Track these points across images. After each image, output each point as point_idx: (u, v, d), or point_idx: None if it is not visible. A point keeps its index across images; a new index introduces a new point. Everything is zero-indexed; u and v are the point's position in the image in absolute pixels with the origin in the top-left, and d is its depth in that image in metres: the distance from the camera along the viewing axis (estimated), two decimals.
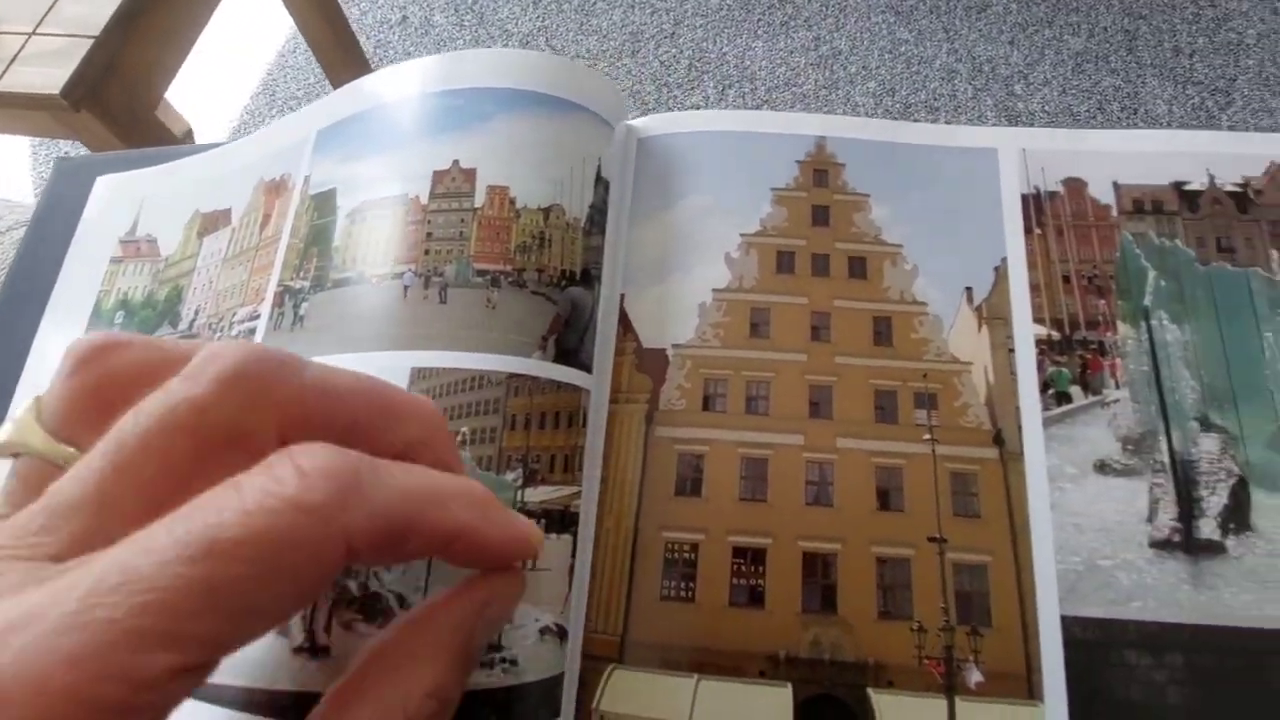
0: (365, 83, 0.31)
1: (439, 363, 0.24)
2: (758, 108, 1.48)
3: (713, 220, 0.30)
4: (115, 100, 0.71)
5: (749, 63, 1.55)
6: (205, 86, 1.52)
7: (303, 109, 0.33)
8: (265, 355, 0.15)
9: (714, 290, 0.29)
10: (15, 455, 0.16)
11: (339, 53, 1.11)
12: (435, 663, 0.15)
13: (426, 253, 0.26)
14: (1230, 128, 1.53)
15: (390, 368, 0.24)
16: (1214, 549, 0.25)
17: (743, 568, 0.26)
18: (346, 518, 0.13)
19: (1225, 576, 0.25)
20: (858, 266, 0.29)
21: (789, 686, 0.24)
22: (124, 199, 0.37)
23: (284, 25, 1.44)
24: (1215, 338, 0.28)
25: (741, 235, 0.30)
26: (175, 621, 0.12)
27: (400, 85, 0.30)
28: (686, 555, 0.26)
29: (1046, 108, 1.50)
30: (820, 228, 0.30)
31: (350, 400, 0.16)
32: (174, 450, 0.14)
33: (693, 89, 1.52)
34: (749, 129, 0.31)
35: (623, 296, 0.29)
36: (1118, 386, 0.27)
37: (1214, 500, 0.26)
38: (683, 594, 0.25)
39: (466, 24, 1.60)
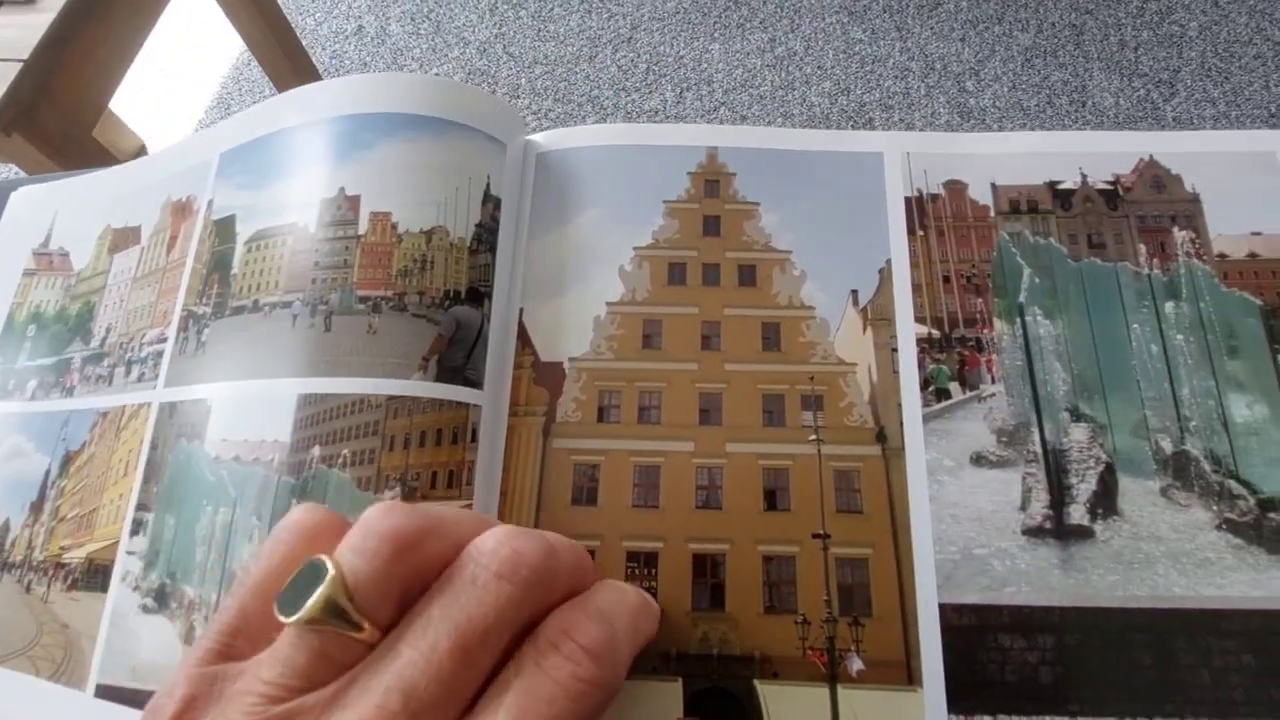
0: (264, 107, 0.32)
1: (323, 389, 0.25)
2: (715, 110, 1.49)
3: (607, 234, 0.31)
4: (48, 123, 0.70)
5: (706, 65, 1.56)
6: (161, 101, 1.50)
7: (208, 129, 0.34)
8: (551, 552, 0.19)
9: (608, 303, 0.30)
10: (317, 629, 0.17)
11: (287, 65, 1.11)
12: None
13: (313, 281, 0.26)
14: (1175, 118, 1.58)
15: (280, 395, 0.25)
16: (1083, 534, 0.26)
17: (636, 571, 0.26)
18: (618, 679, 0.18)
19: (1093, 559, 0.26)
20: (747, 274, 0.30)
21: (679, 681, 0.25)
22: (39, 210, 0.37)
23: (238, 38, 1.43)
24: (1085, 331, 0.29)
25: (634, 248, 0.30)
26: None
27: (294, 112, 0.30)
28: None
29: (997, 103, 1.53)
30: (711, 238, 0.31)
31: (571, 567, 0.20)
32: (503, 643, 0.17)
33: (650, 93, 1.53)
34: (643, 142, 0.32)
35: (522, 311, 0.30)
36: (994, 381, 0.28)
37: (1083, 487, 0.27)
38: None
39: (423, 33, 1.60)
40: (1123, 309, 0.29)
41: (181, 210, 0.33)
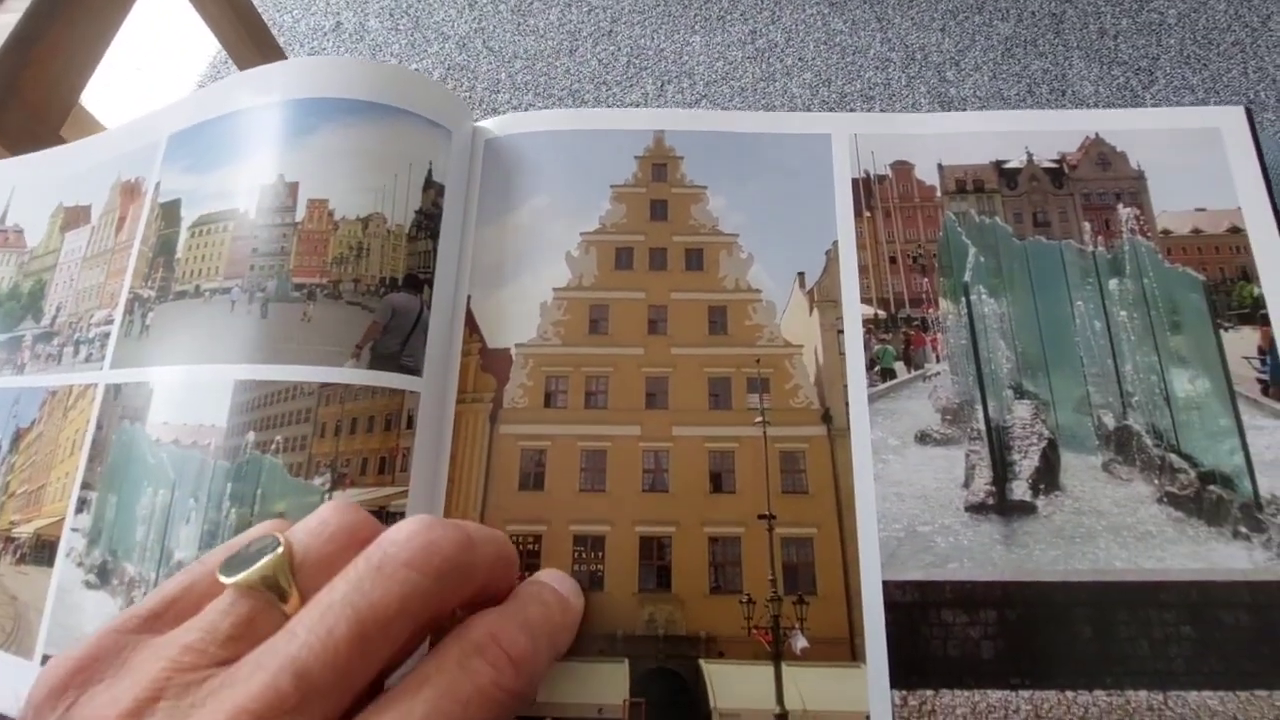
0: (212, 90, 0.31)
1: (257, 375, 0.25)
2: (697, 102, 1.49)
3: (555, 220, 0.31)
4: (14, 123, 0.70)
5: (687, 58, 1.56)
6: (137, 100, 1.49)
7: (159, 109, 0.33)
8: (468, 544, 0.18)
9: (554, 289, 0.30)
10: (250, 595, 0.17)
11: (262, 63, 1.10)
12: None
13: (252, 268, 0.26)
14: (1154, 105, 1.58)
15: (218, 381, 0.25)
16: (1025, 509, 0.27)
17: (583, 554, 0.26)
18: (532, 693, 0.18)
19: (1035, 534, 0.26)
20: (694, 258, 0.30)
21: (625, 662, 0.25)
22: None
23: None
24: (1030, 308, 0.29)
25: (581, 234, 0.30)
26: None
27: (240, 95, 0.30)
28: (530, 546, 0.27)
29: (978, 93, 1.54)
30: (658, 222, 0.31)
31: (491, 561, 0.20)
32: (405, 633, 0.17)
33: (631, 86, 1.53)
34: (591, 127, 0.32)
35: (470, 298, 0.30)
36: (938, 360, 0.29)
37: (1026, 463, 0.27)
38: None
39: (402, 28, 1.59)
40: (1066, 286, 0.29)
41: (130, 191, 0.32)
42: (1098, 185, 0.31)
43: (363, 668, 0.16)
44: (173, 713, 0.15)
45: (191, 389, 0.25)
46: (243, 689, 0.15)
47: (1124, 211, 0.30)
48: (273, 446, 0.24)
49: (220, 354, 0.25)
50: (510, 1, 1.61)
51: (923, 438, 0.28)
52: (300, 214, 0.27)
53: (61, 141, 0.76)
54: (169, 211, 0.30)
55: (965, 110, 1.49)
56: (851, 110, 1.49)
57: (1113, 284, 0.29)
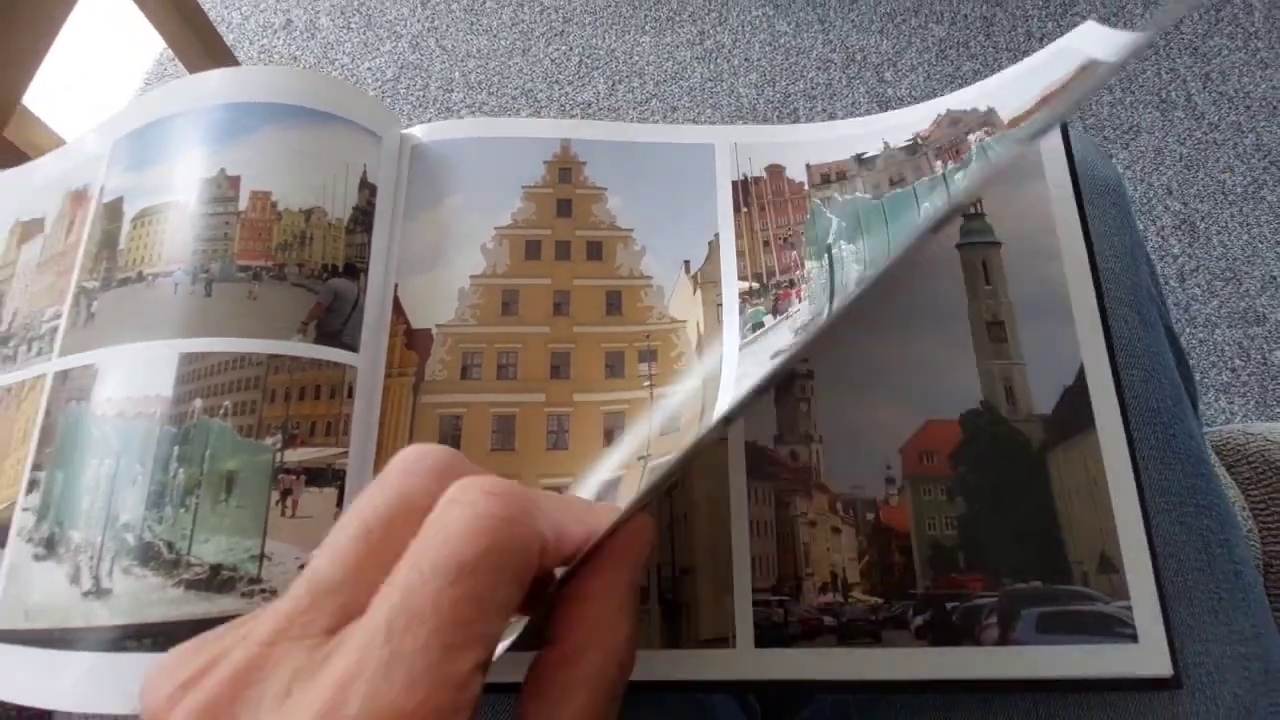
0: (154, 95, 0.34)
1: (205, 348, 0.28)
2: (646, 102, 1.53)
3: (472, 216, 0.35)
4: None
5: (637, 58, 1.60)
6: (85, 100, 1.47)
7: (104, 119, 0.36)
8: (459, 457, 0.18)
9: (471, 276, 0.34)
10: None
11: (210, 63, 1.11)
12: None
13: (194, 253, 0.30)
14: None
15: (161, 356, 0.28)
16: None
17: None
18: (535, 523, 0.16)
19: None
20: (594, 250, 0.35)
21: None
22: None
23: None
24: (883, 237, 0.32)
25: (495, 228, 0.35)
26: (464, 631, 0.15)
27: (182, 99, 0.33)
28: None
29: (914, 93, 1.61)
30: (563, 218, 0.35)
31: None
32: (410, 525, 0.16)
33: (583, 85, 1.56)
34: (505, 135, 0.36)
35: (397, 285, 0.34)
36: (800, 301, 0.33)
37: None
38: None
39: (353, 26, 1.59)
40: (916, 202, 0.32)
41: (78, 198, 0.35)
42: (950, 135, 0.34)
43: (370, 563, 0.16)
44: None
45: (136, 365, 0.28)
46: (271, 610, 0.16)
47: (974, 136, 0.33)
48: (221, 411, 0.27)
49: (165, 331, 0.29)
50: (463, 1, 1.63)
51: (776, 356, 0.31)
52: (244, 204, 0.30)
53: (6, 142, 0.77)
54: (112, 209, 0.33)
55: (901, 104, 1.56)
56: (795, 111, 1.55)
57: (959, 176, 0.31)
